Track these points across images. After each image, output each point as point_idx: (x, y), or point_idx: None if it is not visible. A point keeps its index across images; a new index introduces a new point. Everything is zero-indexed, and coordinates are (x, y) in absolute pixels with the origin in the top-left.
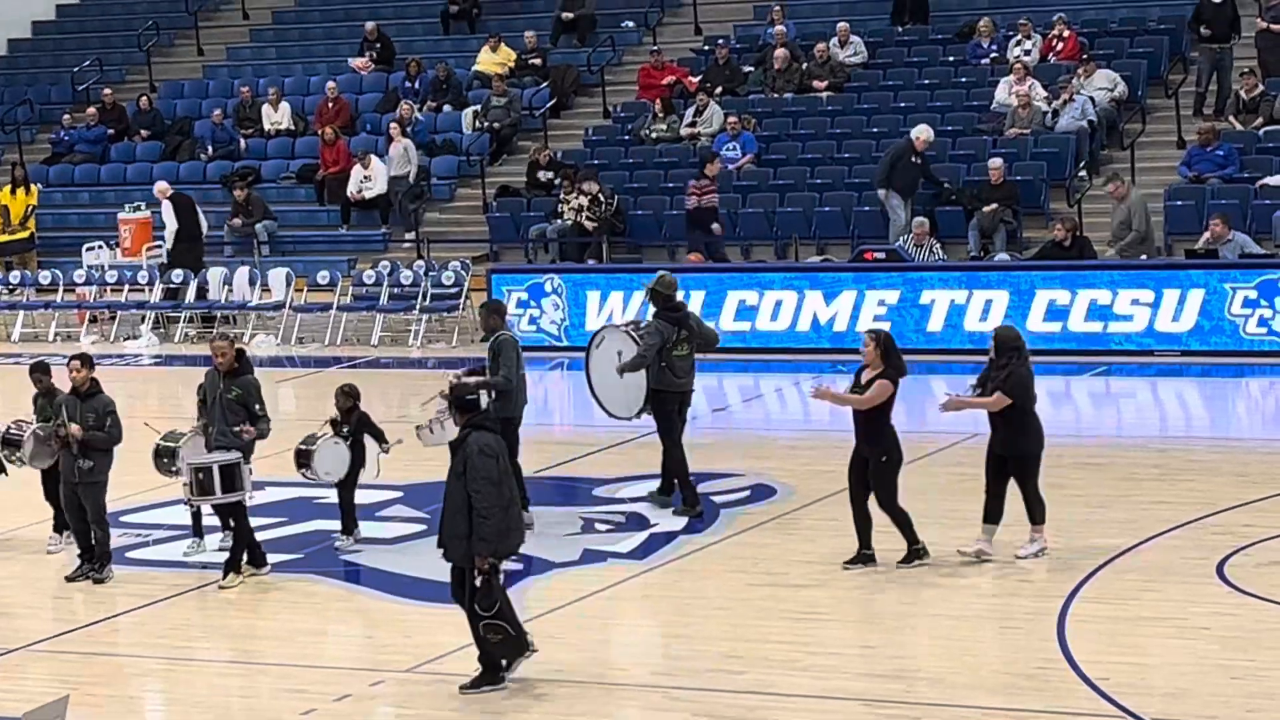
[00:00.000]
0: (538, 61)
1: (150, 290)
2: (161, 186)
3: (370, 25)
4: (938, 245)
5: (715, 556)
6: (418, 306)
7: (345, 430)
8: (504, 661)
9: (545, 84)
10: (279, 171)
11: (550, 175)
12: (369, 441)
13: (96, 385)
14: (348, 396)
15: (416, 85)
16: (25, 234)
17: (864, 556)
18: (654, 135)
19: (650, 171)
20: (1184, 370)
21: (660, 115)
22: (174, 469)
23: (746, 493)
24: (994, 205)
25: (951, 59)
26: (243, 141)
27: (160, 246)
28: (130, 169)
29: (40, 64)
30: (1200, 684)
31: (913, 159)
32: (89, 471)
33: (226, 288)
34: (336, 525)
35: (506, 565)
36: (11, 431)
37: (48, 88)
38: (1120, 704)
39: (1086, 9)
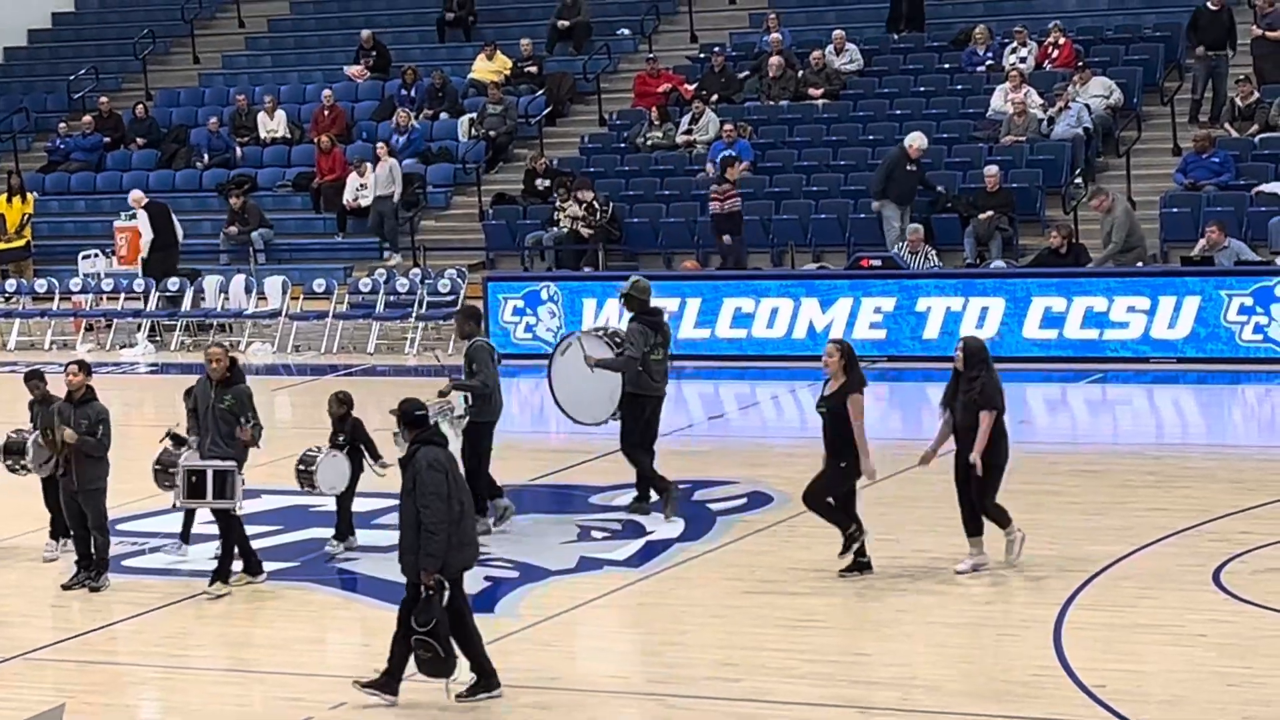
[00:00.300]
0: (533, 69)
1: (146, 299)
2: (136, 195)
3: (366, 33)
4: (933, 252)
5: (711, 564)
6: (414, 314)
7: (341, 439)
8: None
9: (541, 92)
10: (275, 179)
11: (546, 183)
12: (364, 450)
13: (91, 392)
14: (341, 403)
15: (412, 93)
16: (21, 242)
17: (860, 565)
18: (650, 143)
19: (646, 179)
20: (1180, 377)
21: (656, 123)
22: (166, 484)
23: (743, 500)
24: (990, 212)
25: (947, 66)
26: (239, 149)
27: None
28: (126, 177)
29: (36, 72)
30: (1197, 691)
31: (908, 167)
32: (88, 479)
33: (222, 296)
34: (332, 533)
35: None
36: (13, 440)
37: (44, 96)
38: (1117, 711)
39: (1082, 16)
